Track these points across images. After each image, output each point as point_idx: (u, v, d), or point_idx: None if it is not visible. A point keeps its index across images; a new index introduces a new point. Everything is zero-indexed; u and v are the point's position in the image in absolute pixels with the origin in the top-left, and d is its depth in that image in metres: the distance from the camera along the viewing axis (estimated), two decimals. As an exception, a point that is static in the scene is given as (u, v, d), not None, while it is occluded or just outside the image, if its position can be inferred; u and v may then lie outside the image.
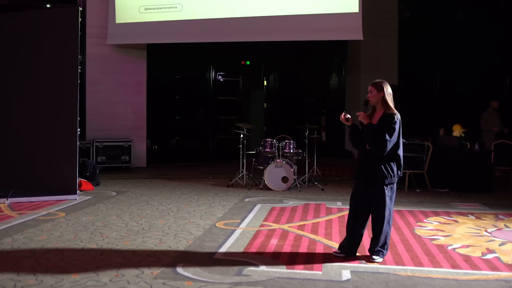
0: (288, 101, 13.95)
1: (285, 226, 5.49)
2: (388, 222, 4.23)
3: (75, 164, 7.09)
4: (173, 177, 9.57)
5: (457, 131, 9.02)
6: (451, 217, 6.06)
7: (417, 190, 8.03)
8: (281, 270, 3.97)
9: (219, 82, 13.37)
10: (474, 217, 6.04)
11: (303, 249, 4.60)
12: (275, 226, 5.51)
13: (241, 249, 4.57)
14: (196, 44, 11.26)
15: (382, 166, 4.17)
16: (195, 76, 13.06)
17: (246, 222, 5.67)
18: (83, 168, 8.37)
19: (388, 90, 4.23)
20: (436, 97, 13.77)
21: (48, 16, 7.79)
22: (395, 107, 4.30)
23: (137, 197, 7.29)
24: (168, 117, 12.70)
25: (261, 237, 4.99)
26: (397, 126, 4.15)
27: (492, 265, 4.14)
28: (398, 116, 4.20)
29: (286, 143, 8.31)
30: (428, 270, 3.99)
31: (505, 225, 5.65)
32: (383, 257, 4.23)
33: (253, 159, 8.54)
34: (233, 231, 5.25)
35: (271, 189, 7.93)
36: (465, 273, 3.93)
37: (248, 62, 13.55)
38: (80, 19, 7.24)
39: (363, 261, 4.19)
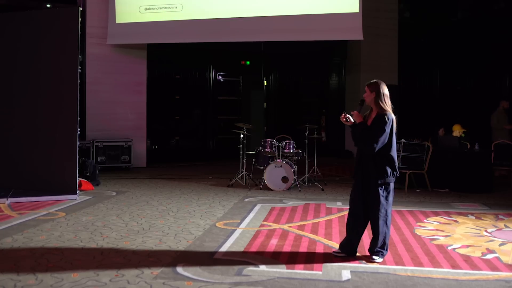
0: (288, 101, 13.95)
1: (285, 226, 5.49)
2: (385, 222, 4.21)
3: (75, 164, 7.09)
4: (173, 177, 9.57)
5: (457, 131, 9.02)
6: (451, 217, 6.06)
7: (417, 190, 8.03)
8: (281, 270, 3.97)
9: (219, 82, 13.37)
10: (474, 217, 6.04)
11: (303, 249, 4.60)
12: (275, 226, 5.51)
13: (241, 249, 4.57)
14: (196, 44, 11.26)
15: (375, 167, 4.19)
16: (195, 76, 13.06)
17: (246, 222, 5.67)
18: (83, 168, 8.38)
19: (383, 90, 4.23)
20: (436, 97, 13.77)
21: (48, 16, 7.79)
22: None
23: (137, 197, 7.29)
24: (168, 117, 12.69)
25: (261, 237, 4.99)
26: (387, 127, 4.13)
27: (492, 265, 4.14)
28: (390, 117, 4.18)
29: (286, 143, 8.31)
30: (428, 270, 3.99)
31: (505, 225, 5.65)
32: (383, 257, 4.23)
33: (253, 159, 8.54)
34: (233, 231, 5.25)
35: (271, 189, 7.93)
36: (465, 273, 3.93)
37: (248, 62, 13.55)
38: (80, 19, 7.24)
39: (363, 261, 4.20)
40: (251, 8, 10.06)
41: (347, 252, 4.33)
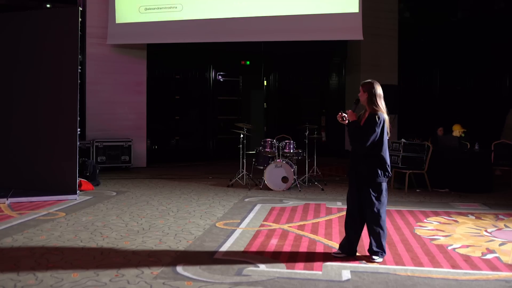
0: (288, 101, 13.95)
1: (285, 226, 5.49)
2: (377, 222, 4.20)
3: (75, 164, 7.09)
4: (173, 177, 9.57)
5: (457, 131, 9.01)
6: (451, 217, 6.06)
7: (417, 190, 8.03)
8: (281, 270, 3.97)
9: (219, 82, 13.37)
10: (474, 217, 6.04)
11: (303, 249, 4.60)
12: (275, 226, 5.51)
13: (241, 249, 4.57)
14: (196, 44, 11.26)
15: (366, 167, 4.20)
16: (195, 76, 13.06)
17: (246, 222, 5.67)
18: (83, 168, 8.38)
19: (376, 90, 4.23)
20: (436, 97, 13.77)
21: (48, 16, 7.79)
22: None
23: (137, 197, 7.29)
24: (168, 117, 12.70)
25: (261, 237, 4.99)
26: (377, 127, 4.13)
27: (492, 265, 4.14)
28: (382, 117, 4.18)
29: (286, 143, 8.31)
30: (428, 270, 3.99)
31: (505, 225, 5.65)
32: (382, 257, 4.24)
33: (253, 159, 8.54)
34: (233, 231, 5.25)
35: (271, 189, 7.93)
36: (465, 273, 3.93)
37: (248, 62, 13.55)
38: (80, 19, 7.24)
39: (363, 261, 4.20)
40: (251, 8, 10.06)
41: (347, 252, 4.33)
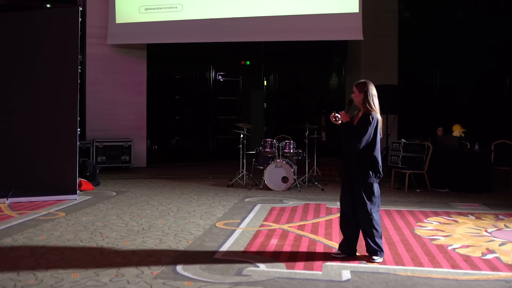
0: (288, 101, 13.96)
1: (285, 226, 5.49)
2: (370, 222, 4.19)
3: (75, 164, 7.09)
4: (173, 177, 9.57)
5: (457, 131, 9.01)
6: (451, 217, 6.06)
7: (417, 190, 8.03)
8: (281, 270, 3.97)
9: (219, 82, 13.38)
10: (474, 217, 6.04)
11: (303, 249, 4.59)
12: (275, 226, 5.51)
13: (241, 249, 4.57)
14: (196, 44, 11.26)
15: (357, 167, 4.21)
16: (195, 76, 13.07)
17: (246, 222, 5.67)
18: (83, 168, 8.38)
19: (371, 91, 4.24)
20: (436, 97, 13.77)
21: (48, 16, 7.79)
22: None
23: (137, 197, 7.29)
24: (168, 117, 12.70)
25: (261, 237, 4.99)
26: (371, 127, 4.13)
27: (492, 265, 4.14)
28: (375, 117, 4.18)
29: (286, 143, 8.31)
30: (428, 270, 3.99)
31: (505, 225, 5.65)
32: (382, 256, 4.24)
33: (253, 159, 8.54)
34: (233, 231, 5.25)
35: (271, 189, 7.93)
36: (465, 273, 3.93)
37: (248, 62, 13.55)
38: (80, 19, 7.24)
39: (363, 261, 4.19)
40: (251, 8, 10.07)
41: (347, 252, 4.33)
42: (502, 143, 8.91)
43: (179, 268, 3.99)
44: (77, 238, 4.92)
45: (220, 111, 13.30)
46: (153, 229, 5.31)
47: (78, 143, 7.16)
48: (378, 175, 4.22)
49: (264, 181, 8.01)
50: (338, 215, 6.03)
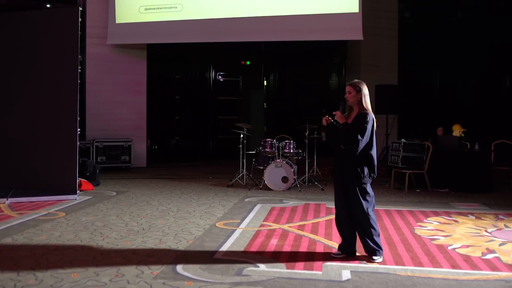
0: (288, 101, 13.95)
1: (285, 226, 5.49)
2: (368, 222, 4.19)
3: (75, 164, 7.09)
4: (173, 177, 9.57)
5: (457, 131, 9.01)
6: (451, 217, 6.06)
7: (417, 190, 8.03)
8: (281, 270, 3.97)
9: (219, 82, 13.38)
10: (474, 217, 6.04)
11: (303, 249, 4.59)
12: (275, 226, 5.51)
13: (241, 249, 4.57)
14: (196, 44, 11.26)
15: (352, 167, 4.20)
16: (195, 76, 13.07)
17: (246, 222, 5.67)
18: (83, 168, 8.38)
19: (365, 91, 4.27)
20: (436, 97, 13.77)
21: (48, 16, 7.79)
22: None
23: (137, 197, 7.29)
24: (168, 117, 12.70)
25: (261, 237, 4.99)
26: (369, 126, 4.16)
27: (492, 265, 4.14)
28: (371, 116, 4.22)
29: (286, 143, 8.31)
30: (428, 270, 3.99)
31: (505, 225, 5.65)
32: (381, 255, 4.24)
33: (253, 159, 8.54)
34: (233, 231, 5.25)
35: (271, 189, 7.93)
36: (465, 273, 3.93)
37: (248, 62, 13.55)
38: (80, 19, 7.24)
39: (363, 261, 4.19)
40: (251, 8, 10.06)
41: (347, 252, 4.33)
42: (502, 143, 8.91)
43: (179, 268, 3.99)
44: (77, 238, 4.92)
45: (220, 111, 13.31)
46: (153, 229, 5.31)
47: (78, 143, 7.16)
48: (372, 175, 4.23)
49: (264, 181, 8.01)
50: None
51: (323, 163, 9.12)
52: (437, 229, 5.41)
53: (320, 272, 3.92)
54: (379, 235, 4.28)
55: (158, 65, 12.26)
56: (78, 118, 7.14)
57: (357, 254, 4.34)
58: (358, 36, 9.81)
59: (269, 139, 8.41)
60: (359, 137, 4.11)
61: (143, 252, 4.43)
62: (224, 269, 3.95)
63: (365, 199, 4.21)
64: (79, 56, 7.41)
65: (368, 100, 4.28)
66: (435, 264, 4.16)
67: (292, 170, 7.93)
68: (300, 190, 7.94)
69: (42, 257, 4.25)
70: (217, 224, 5.55)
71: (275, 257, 4.33)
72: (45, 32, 7.40)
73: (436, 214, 6.24)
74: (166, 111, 12.59)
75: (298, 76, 14.07)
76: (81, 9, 7.37)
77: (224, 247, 4.61)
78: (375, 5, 11.85)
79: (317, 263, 4.13)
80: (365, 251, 4.28)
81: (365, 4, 9.98)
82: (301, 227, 5.45)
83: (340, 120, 4.27)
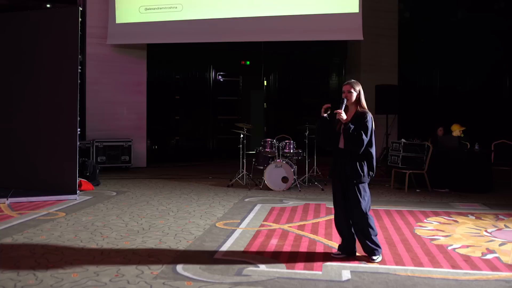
0: (288, 101, 13.95)
1: (285, 226, 5.49)
2: (366, 221, 4.20)
3: (75, 164, 7.09)
4: (173, 177, 9.57)
5: (456, 130, 9.00)
6: (451, 217, 6.06)
7: (417, 190, 8.03)
8: (281, 270, 3.97)
9: (219, 82, 13.38)
10: (474, 217, 6.04)
11: (303, 249, 4.60)
12: (275, 226, 5.51)
13: (241, 249, 4.57)
14: (196, 44, 11.26)
15: (352, 166, 4.21)
16: (195, 76, 13.07)
17: (246, 222, 5.67)
18: (83, 168, 8.38)
19: (361, 90, 4.33)
20: (436, 97, 13.77)
21: (48, 16, 7.79)
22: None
23: (137, 197, 7.29)
24: (168, 117, 12.70)
25: (261, 237, 4.99)
26: (370, 124, 4.20)
27: (492, 265, 4.14)
28: (370, 114, 4.26)
29: (286, 143, 8.31)
30: (428, 270, 3.99)
31: (505, 225, 5.65)
32: (380, 254, 4.25)
33: (253, 159, 8.54)
34: (233, 231, 5.25)
35: (271, 189, 7.93)
36: (465, 273, 3.93)
37: (248, 62, 13.56)
38: (80, 19, 7.24)
39: (363, 261, 4.19)
40: (251, 8, 10.06)
41: (347, 253, 4.33)
42: (502, 143, 8.91)
43: (179, 268, 3.99)
44: (77, 238, 4.92)
45: (220, 111, 13.31)
46: (153, 229, 5.31)
47: (78, 143, 7.16)
48: (371, 173, 4.24)
49: (264, 181, 8.01)
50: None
51: (323, 163, 9.11)
52: (437, 229, 5.41)
53: (320, 272, 3.92)
54: (376, 235, 4.29)
55: (158, 65, 12.27)
56: (78, 118, 7.14)
57: (357, 254, 4.34)
58: (358, 36, 9.81)
59: (269, 139, 8.41)
60: (364, 136, 4.13)
61: (143, 252, 4.43)
62: (224, 269, 3.95)
63: (363, 199, 4.21)
64: (79, 56, 7.41)
65: (364, 99, 4.32)
66: (435, 264, 4.16)
67: (292, 170, 7.93)
68: (300, 190, 7.94)
69: (42, 257, 4.25)
70: (217, 224, 5.55)
71: (275, 257, 4.33)
72: (45, 32, 7.40)
73: (436, 214, 6.24)
74: (166, 111, 12.60)
75: (298, 76, 14.07)
76: (81, 9, 7.37)
77: (224, 247, 4.61)
78: (375, 5, 11.85)
79: (317, 263, 4.13)
80: (364, 251, 4.28)
81: (365, 4, 9.98)
82: (301, 227, 5.46)
83: (342, 119, 4.25)
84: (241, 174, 8.50)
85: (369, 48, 12.33)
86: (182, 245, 4.68)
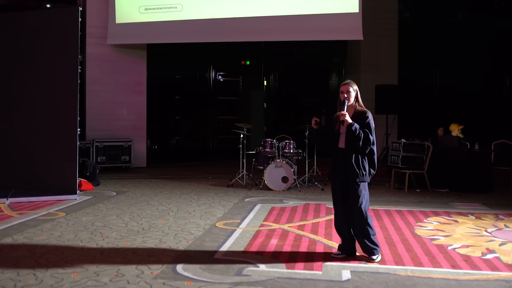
0: (288, 101, 13.95)
1: (285, 226, 5.49)
2: (366, 221, 4.20)
3: (75, 164, 7.09)
4: (173, 177, 9.57)
5: (455, 130, 9.00)
6: (451, 217, 6.06)
7: (417, 190, 8.03)
8: (281, 270, 3.97)
9: (219, 82, 13.38)
10: (474, 217, 6.04)
11: (303, 249, 4.60)
12: (275, 226, 5.51)
13: (241, 249, 4.57)
14: (196, 44, 11.26)
15: (354, 165, 4.22)
16: (195, 76, 13.07)
17: (246, 222, 5.67)
18: (83, 168, 8.38)
19: (357, 88, 4.38)
20: (436, 97, 13.77)
21: (48, 16, 7.79)
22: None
23: (137, 197, 7.29)
24: (168, 117, 12.70)
25: (261, 237, 4.99)
26: (371, 122, 4.26)
27: (492, 265, 4.14)
28: (369, 113, 4.31)
29: (286, 143, 8.31)
30: (428, 270, 3.99)
31: (505, 225, 5.65)
32: (379, 253, 4.25)
33: (253, 159, 8.54)
34: (233, 231, 5.25)
35: (271, 189, 7.93)
36: (465, 273, 3.93)
37: (248, 62, 13.55)
38: (80, 19, 7.24)
39: (363, 261, 4.19)
40: (251, 8, 10.06)
41: (347, 253, 4.33)
42: (502, 143, 8.91)
43: (179, 268, 3.99)
44: (77, 238, 4.92)
45: (220, 111, 13.30)
46: (153, 229, 5.31)
47: (78, 143, 7.16)
48: (372, 171, 4.26)
49: (264, 181, 8.01)
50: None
51: (323, 163, 9.11)
52: (437, 229, 5.41)
53: (320, 272, 3.92)
54: (375, 234, 4.29)
55: (158, 65, 12.26)
56: (78, 118, 7.14)
57: (357, 254, 4.34)
58: (358, 36, 9.80)
59: (269, 139, 8.41)
60: (370, 136, 4.17)
61: (143, 252, 4.43)
62: (224, 269, 3.95)
63: (363, 198, 4.22)
64: (79, 56, 7.40)
65: (360, 97, 4.38)
66: (435, 264, 4.16)
67: (292, 170, 7.93)
68: (300, 190, 7.94)
69: (42, 257, 4.25)
70: (217, 224, 5.55)
71: (275, 257, 4.33)
72: (45, 32, 7.40)
73: (436, 214, 6.24)
74: (166, 111, 12.59)
75: (298, 76, 14.07)
76: (81, 9, 7.37)
77: (224, 247, 4.61)
78: (375, 5, 11.85)
79: (317, 263, 4.13)
80: (363, 251, 4.28)
81: (365, 4, 9.97)
82: (301, 227, 5.46)
83: (348, 122, 4.23)
84: (241, 174, 8.50)
85: (369, 48, 12.33)
86: (182, 245, 4.68)
